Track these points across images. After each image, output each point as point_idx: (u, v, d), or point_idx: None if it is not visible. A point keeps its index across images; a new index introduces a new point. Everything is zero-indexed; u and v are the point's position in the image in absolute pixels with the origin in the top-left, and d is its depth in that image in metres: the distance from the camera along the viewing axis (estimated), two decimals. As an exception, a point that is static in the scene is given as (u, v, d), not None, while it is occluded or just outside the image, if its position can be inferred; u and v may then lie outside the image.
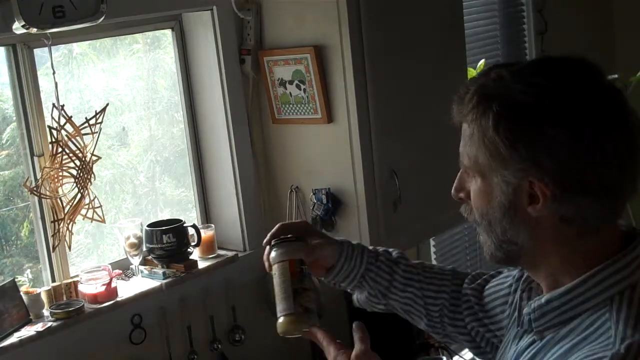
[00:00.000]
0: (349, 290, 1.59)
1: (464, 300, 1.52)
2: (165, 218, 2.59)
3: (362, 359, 1.30)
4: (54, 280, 2.36)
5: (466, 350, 2.32)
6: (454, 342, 1.60)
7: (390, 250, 1.59)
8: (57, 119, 2.23)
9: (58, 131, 2.23)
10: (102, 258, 2.57)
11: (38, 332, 2.18)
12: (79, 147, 2.27)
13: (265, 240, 1.47)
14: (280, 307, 1.37)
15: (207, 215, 2.76)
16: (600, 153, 1.09)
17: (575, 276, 1.15)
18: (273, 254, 1.43)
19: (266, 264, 1.47)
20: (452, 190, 1.27)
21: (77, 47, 2.50)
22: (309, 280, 1.40)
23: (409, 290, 1.54)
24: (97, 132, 2.30)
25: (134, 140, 2.69)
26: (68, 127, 2.25)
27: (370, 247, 1.57)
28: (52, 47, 2.17)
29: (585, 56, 1.17)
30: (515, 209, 1.15)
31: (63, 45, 2.42)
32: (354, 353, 1.30)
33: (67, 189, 2.27)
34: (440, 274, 1.57)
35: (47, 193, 2.25)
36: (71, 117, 2.26)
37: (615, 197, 1.13)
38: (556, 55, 1.19)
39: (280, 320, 1.37)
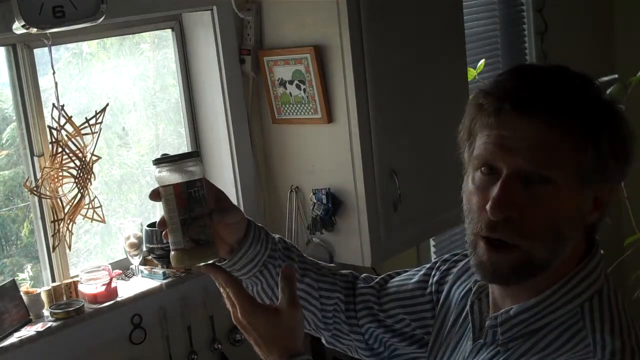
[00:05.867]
0: None
1: (360, 300, 1.43)
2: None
3: (285, 319, 1.24)
4: (54, 280, 2.36)
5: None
6: (339, 344, 1.46)
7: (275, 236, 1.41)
8: (57, 119, 2.23)
9: (58, 131, 2.23)
10: (110, 257, 2.56)
11: (38, 332, 2.18)
12: (79, 147, 2.27)
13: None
14: (170, 239, 1.23)
15: (207, 215, 2.75)
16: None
17: (544, 286, 1.13)
18: (156, 173, 1.22)
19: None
20: (498, 208, 1.07)
21: (87, 47, 2.50)
22: (200, 206, 1.21)
23: (306, 281, 1.40)
24: (97, 132, 2.30)
25: (141, 139, 2.69)
26: (68, 127, 2.25)
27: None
28: (58, 47, 2.17)
29: None
30: (580, 215, 1.12)
31: (73, 45, 2.42)
32: (281, 305, 1.24)
33: (67, 189, 2.27)
34: (331, 272, 1.45)
35: (47, 193, 2.25)
36: (71, 117, 2.26)
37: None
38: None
39: (172, 254, 1.24)
